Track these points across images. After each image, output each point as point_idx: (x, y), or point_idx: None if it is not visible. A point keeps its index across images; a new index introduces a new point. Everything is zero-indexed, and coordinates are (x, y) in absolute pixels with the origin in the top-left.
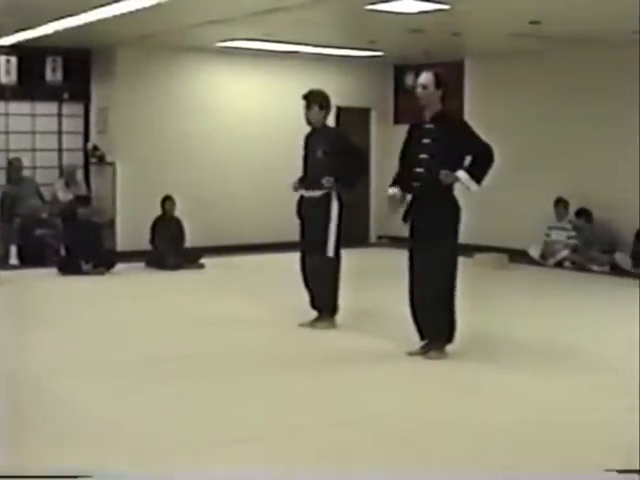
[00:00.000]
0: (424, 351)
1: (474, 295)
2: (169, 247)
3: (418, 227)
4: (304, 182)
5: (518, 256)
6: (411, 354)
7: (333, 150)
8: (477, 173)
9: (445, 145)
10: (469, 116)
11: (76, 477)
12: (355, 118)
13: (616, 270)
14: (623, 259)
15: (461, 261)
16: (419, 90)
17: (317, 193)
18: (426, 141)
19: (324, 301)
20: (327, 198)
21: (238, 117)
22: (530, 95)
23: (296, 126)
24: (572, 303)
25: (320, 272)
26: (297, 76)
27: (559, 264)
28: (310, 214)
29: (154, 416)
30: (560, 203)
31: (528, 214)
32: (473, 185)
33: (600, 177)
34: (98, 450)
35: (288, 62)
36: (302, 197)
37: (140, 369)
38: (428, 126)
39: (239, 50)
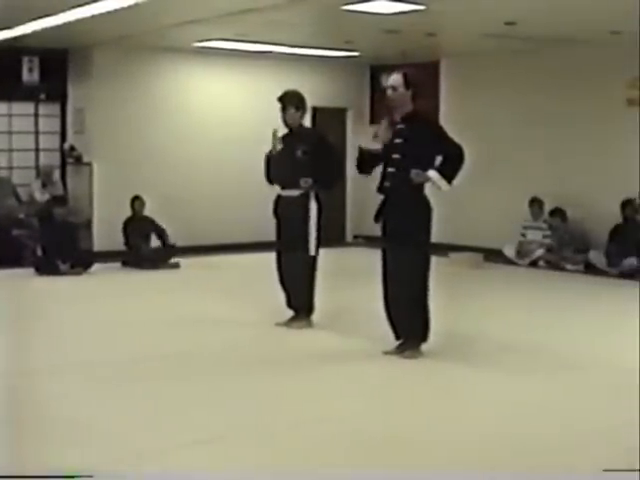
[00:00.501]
0: (400, 350)
1: (449, 294)
2: (142, 246)
3: (390, 227)
4: (280, 182)
5: (493, 255)
6: (387, 353)
7: (311, 151)
8: (448, 173)
9: (417, 145)
10: (445, 116)
11: (76, 477)
12: (331, 118)
13: (590, 269)
14: (597, 258)
15: (436, 260)
16: (389, 92)
17: (295, 193)
18: (398, 141)
19: (300, 300)
20: (305, 198)
21: (215, 117)
22: (506, 95)
23: (272, 126)
24: (547, 302)
25: (296, 272)
26: (273, 76)
27: (534, 263)
28: (288, 214)
29: (133, 416)
30: (535, 203)
31: (503, 213)
32: (444, 184)
33: (575, 176)
34: (75, 450)
35: (264, 62)
36: (279, 196)
37: (119, 369)
38: (400, 126)
39: (216, 50)
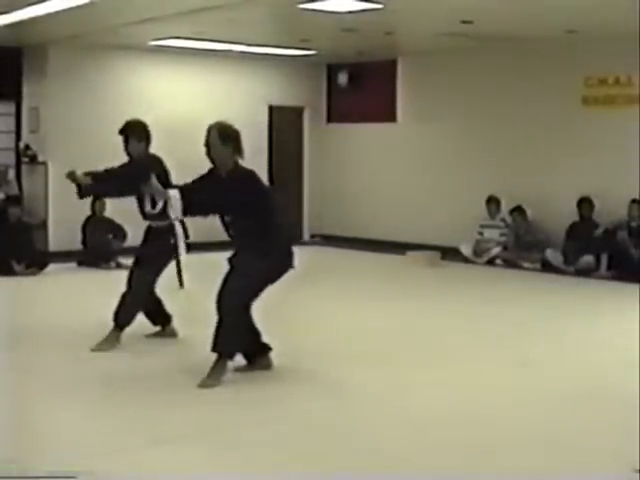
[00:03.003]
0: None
1: (404, 292)
2: (101, 247)
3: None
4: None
5: (450, 254)
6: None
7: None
8: None
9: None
10: (402, 114)
11: (58, 477)
12: (288, 117)
13: (547, 267)
14: (554, 256)
15: (394, 258)
16: (208, 149)
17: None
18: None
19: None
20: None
21: (171, 116)
22: (463, 93)
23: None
24: (505, 301)
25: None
26: (231, 75)
27: (491, 262)
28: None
29: None
30: (492, 201)
31: (460, 212)
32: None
33: (531, 174)
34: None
35: (222, 61)
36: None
37: None
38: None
39: (172, 49)
